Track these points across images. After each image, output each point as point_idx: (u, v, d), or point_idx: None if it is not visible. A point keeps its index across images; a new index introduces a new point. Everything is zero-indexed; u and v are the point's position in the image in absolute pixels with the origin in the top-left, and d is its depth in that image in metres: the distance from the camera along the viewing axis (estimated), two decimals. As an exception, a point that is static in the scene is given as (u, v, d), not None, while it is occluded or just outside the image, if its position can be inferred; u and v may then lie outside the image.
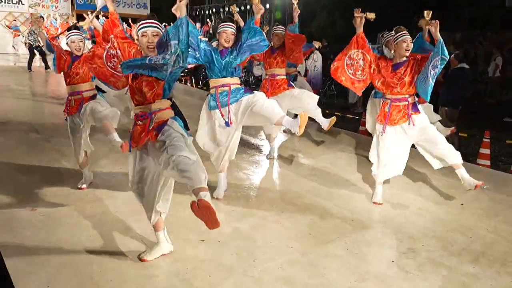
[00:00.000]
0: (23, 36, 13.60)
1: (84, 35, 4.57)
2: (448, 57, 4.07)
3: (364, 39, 4.42)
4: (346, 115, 9.37)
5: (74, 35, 4.40)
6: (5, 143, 6.01)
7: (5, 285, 2.93)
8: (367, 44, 4.43)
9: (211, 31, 21.41)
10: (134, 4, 22.44)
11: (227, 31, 4.23)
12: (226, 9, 19.89)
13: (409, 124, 4.31)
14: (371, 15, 4.38)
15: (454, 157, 4.40)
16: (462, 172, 4.40)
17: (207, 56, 4.17)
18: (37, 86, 11.44)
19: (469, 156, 7.17)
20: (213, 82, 4.29)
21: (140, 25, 2.93)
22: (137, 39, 3.01)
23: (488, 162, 6.28)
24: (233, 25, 4.29)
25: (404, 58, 4.28)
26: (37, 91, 10.75)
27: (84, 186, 4.56)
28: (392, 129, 4.37)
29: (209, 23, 18.21)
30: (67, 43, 4.45)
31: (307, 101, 5.53)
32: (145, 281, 2.99)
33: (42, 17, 13.15)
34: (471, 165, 6.35)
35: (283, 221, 4.06)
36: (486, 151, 6.34)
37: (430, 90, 4.07)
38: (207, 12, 21.43)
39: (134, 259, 3.24)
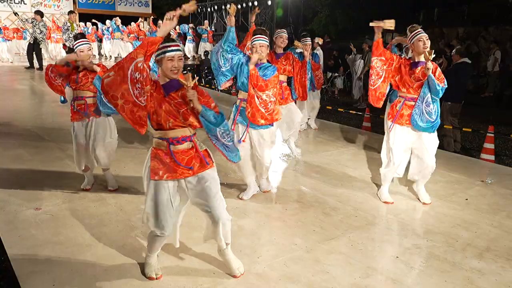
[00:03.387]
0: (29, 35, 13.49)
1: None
2: (438, 96, 4.14)
3: (378, 45, 4.30)
4: (349, 111, 9.35)
5: (83, 44, 4.27)
6: (9, 143, 6.03)
7: (12, 285, 2.94)
8: (381, 47, 4.31)
9: (213, 29, 21.43)
10: (136, 2, 22.43)
11: (264, 44, 4.12)
12: (228, 6, 19.87)
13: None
14: (390, 24, 4.16)
15: (424, 178, 4.46)
16: (420, 187, 4.53)
17: (240, 67, 4.14)
18: (40, 86, 11.47)
19: (473, 151, 7.16)
20: (241, 94, 4.29)
21: (165, 47, 2.74)
22: (157, 61, 2.82)
23: (492, 157, 6.27)
24: (266, 38, 4.17)
25: (422, 58, 4.17)
26: (41, 91, 10.77)
27: (88, 187, 4.57)
28: (400, 129, 4.32)
29: (206, 25, 18.14)
30: (75, 52, 4.30)
31: (289, 132, 5.89)
32: (149, 280, 2.99)
33: (40, 14, 13.17)
34: (475, 160, 6.35)
35: (286, 218, 4.06)
36: (490, 145, 6.33)
37: (428, 124, 4.17)
38: (208, 10, 21.40)
39: (138, 258, 3.24)
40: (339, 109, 9.81)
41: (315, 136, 7.20)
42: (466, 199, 4.65)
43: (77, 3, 20.77)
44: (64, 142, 6.05)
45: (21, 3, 19.22)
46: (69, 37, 12.51)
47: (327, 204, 4.38)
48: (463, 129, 7.18)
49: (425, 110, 4.11)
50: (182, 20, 21.38)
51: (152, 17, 22.07)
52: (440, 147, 6.82)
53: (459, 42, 14.19)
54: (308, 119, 7.67)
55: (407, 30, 4.26)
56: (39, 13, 13.21)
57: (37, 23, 12.90)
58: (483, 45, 15.01)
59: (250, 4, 18.85)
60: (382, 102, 4.49)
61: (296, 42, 6.21)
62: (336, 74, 13.13)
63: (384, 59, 4.31)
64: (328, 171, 5.46)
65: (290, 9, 19.60)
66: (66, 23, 13.04)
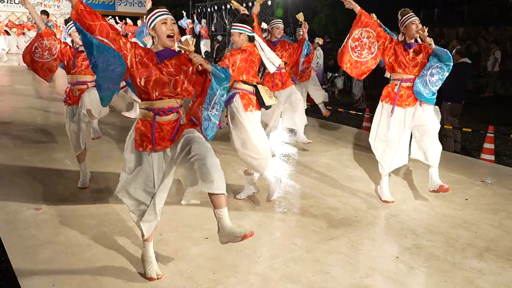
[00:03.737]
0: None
1: None
2: (451, 61, 4.04)
3: (367, 15, 4.28)
4: (349, 111, 9.35)
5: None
6: (9, 143, 6.03)
7: (12, 285, 2.94)
8: (371, 20, 4.30)
9: (213, 29, 21.43)
10: (136, 3, 22.45)
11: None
12: (228, 6, 19.86)
13: (415, 107, 4.25)
14: None
15: (434, 159, 4.32)
16: (433, 172, 4.34)
17: None
18: (40, 86, 11.47)
19: (473, 151, 7.17)
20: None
21: (156, 13, 2.73)
22: (151, 30, 2.77)
23: (492, 157, 6.27)
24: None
25: (413, 41, 4.21)
26: (41, 90, 10.78)
27: (85, 185, 4.55)
28: (401, 111, 4.29)
29: (203, 23, 18.08)
30: (69, 34, 4.47)
31: (297, 119, 6.08)
32: (149, 280, 2.99)
33: (46, 13, 13.17)
34: (475, 160, 6.36)
35: (286, 218, 4.06)
36: (490, 146, 6.33)
37: (430, 95, 4.12)
38: (208, 10, 21.40)
39: (138, 258, 3.24)
40: (339, 109, 9.81)
41: (315, 136, 7.19)
42: (466, 199, 4.65)
43: (77, 3, 20.75)
44: (64, 142, 6.05)
45: (21, 3, 19.24)
46: None
47: (327, 204, 4.38)
48: (463, 129, 7.19)
49: (429, 80, 4.08)
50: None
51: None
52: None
53: (459, 42, 14.20)
54: None
55: (398, 14, 4.29)
56: (46, 13, 13.20)
57: (45, 23, 12.88)
58: (483, 45, 15.01)
59: (250, 4, 18.86)
60: (365, 76, 4.52)
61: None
62: (336, 74, 13.13)
63: (375, 34, 4.29)
64: (328, 171, 5.46)
65: (290, 9, 19.60)
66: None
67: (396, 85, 4.30)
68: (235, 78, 4.07)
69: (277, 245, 3.54)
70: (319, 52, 10.06)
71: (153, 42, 2.84)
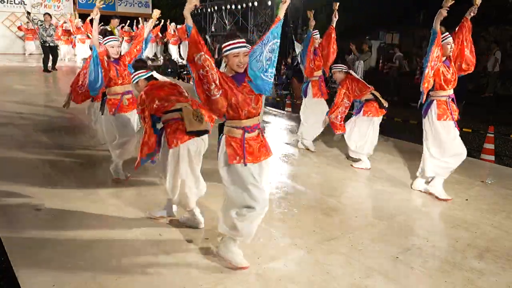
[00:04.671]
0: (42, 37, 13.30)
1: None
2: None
3: (440, 35, 4.38)
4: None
5: (113, 40, 4.69)
6: (10, 143, 6.02)
7: (12, 285, 2.94)
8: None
9: (213, 29, 21.44)
10: (136, 3, 22.42)
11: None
12: (228, 7, 19.87)
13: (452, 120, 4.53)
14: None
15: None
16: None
17: None
18: (42, 86, 11.48)
19: (473, 152, 7.16)
20: None
21: (230, 45, 2.94)
22: (224, 56, 3.01)
23: (492, 157, 6.27)
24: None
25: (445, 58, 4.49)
26: (43, 91, 10.78)
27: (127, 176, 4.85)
28: (452, 124, 4.53)
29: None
30: (106, 48, 4.63)
31: (317, 129, 6.28)
32: (149, 280, 2.99)
33: (50, 15, 13.18)
34: (475, 160, 6.35)
35: (287, 218, 4.06)
36: (490, 146, 6.33)
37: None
38: (209, 10, 21.40)
39: (138, 258, 3.24)
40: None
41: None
42: (466, 200, 4.64)
43: (77, 3, 20.75)
44: (64, 143, 6.06)
45: (21, 4, 19.21)
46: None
47: (327, 205, 4.38)
48: (463, 129, 7.19)
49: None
50: (182, 21, 21.38)
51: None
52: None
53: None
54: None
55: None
56: (49, 15, 13.22)
57: (48, 25, 12.90)
58: (483, 45, 15.01)
59: (250, 4, 18.86)
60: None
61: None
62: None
63: (440, 54, 4.45)
64: (328, 171, 5.46)
65: (290, 9, 19.55)
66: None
67: (447, 101, 4.52)
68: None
69: (277, 246, 3.54)
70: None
71: (225, 65, 3.06)
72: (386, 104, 5.38)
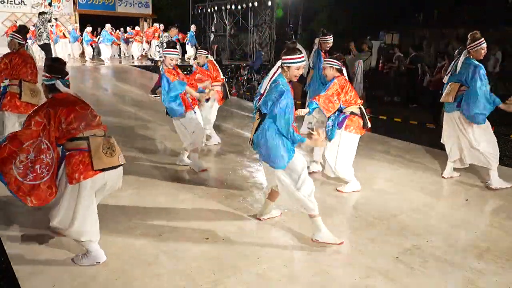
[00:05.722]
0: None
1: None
2: None
3: None
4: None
5: (173, 54, 5.03)
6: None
7: (12, 285, 2.94)
8: None
9: (213, 29, 21.42)
10: (136, 3, 22.42)
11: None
12: (228, 7, 19.86)
13: None
14: None
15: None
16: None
17: None
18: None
19: (473, 152, 7.13)
20: None
21: (295, 59, 3.39)
22: (286, 66, 3.41)
23: (492, 158, 6.24)
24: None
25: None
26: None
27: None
28: None
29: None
30: (163, 56, 5.06)
31: None
32: (149, 280, 2.99)
33: (45, 12, 13.15)
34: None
35: (287, 218, 4.05)
36: (491, 146, 6.30)
37: None
38: (209, 10, 21.40)
39: (138, 258, 3.24)
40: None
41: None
42: (467, 200, 4.64)
43: (77, 3, 20.76)
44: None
45: (21, 4, 19.23)
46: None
47: (327, 205, 4.37)
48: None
49: None
50: (183, 21, 21.37)
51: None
52: (440, 147, 6.83)
53: (459, 43, 14.20)
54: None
55: (469, 36, 4.87)
56: (45, 12, 13.21)
57: (47, 24, 12.91)
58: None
59: (250, 4, 18.85)
60: None
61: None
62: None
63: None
64: (328, 171, 5.45)
65: (290, 10, 19.57)
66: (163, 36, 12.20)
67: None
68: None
69: (277, 246, 3.54)
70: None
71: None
72: (369, 125, 4.67)
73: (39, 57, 14.53)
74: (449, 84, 5.03)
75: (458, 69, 4.92)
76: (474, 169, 5.45)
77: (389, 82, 12.46)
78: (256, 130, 3.53)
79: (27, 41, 5.63)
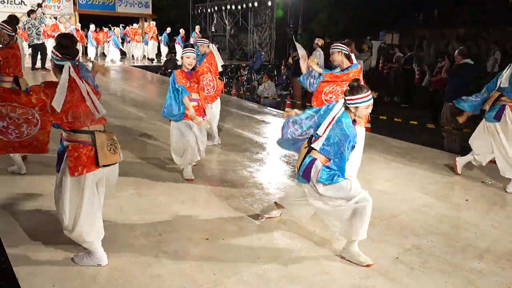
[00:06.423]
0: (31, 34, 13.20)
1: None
2: None
3: None
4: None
5: (191, 52, 4.88)
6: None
7: (12, 285, 2.94)
8: None
9: (213, 29, 21.42)
10: (136, 3, 22.42)
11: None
12: (228, 7, 19.87)
13: None
14: None
15: None
16: None
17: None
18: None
19: (473, 152, 7.14)
20: None
21: (363, 98, 3.20)
22: (353, 106, 3.24)
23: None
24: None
25: None
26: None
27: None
28: None
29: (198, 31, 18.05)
30: (181, 57, 4.94)
31: None
32: (149, 280, 2.99)
33: (34, 11, 13.13)
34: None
35: (287, 219, 4.05)
36: (490, 146, 6.30)
37: None
38: (209, 10, 21.41)
39: (138, 258, 3.24)
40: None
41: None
42: (466, 200, 4.64)
43: (77, 4, 20.76)
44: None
45: (21, 4, 19.22)
46: None
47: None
48: (464, 129, 7.18)
49: None
50: (183, 21, 21.34)
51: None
52: (441, 147, 6.84)
53: (459, 43, 14.21)
54: None
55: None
56: (34, 11, 13.22)
57: (32, 24, 12.92)
58: (482, 46, 15.03)
59: (250, 4, 18.86)
60: None
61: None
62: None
63: None
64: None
65: (290, 10, 19.58)
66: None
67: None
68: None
69: (277, 246, 3.54)
70: (319, 53, 10.07)
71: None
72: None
73: (27, 54, 14.57)
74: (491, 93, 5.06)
75: (503, 80, 4.87)
76: (474, 169, 5.45)
77: (389, 82, 12.48)
78: (303, 159, 3.40)
79: (17, 33, 5.24)
